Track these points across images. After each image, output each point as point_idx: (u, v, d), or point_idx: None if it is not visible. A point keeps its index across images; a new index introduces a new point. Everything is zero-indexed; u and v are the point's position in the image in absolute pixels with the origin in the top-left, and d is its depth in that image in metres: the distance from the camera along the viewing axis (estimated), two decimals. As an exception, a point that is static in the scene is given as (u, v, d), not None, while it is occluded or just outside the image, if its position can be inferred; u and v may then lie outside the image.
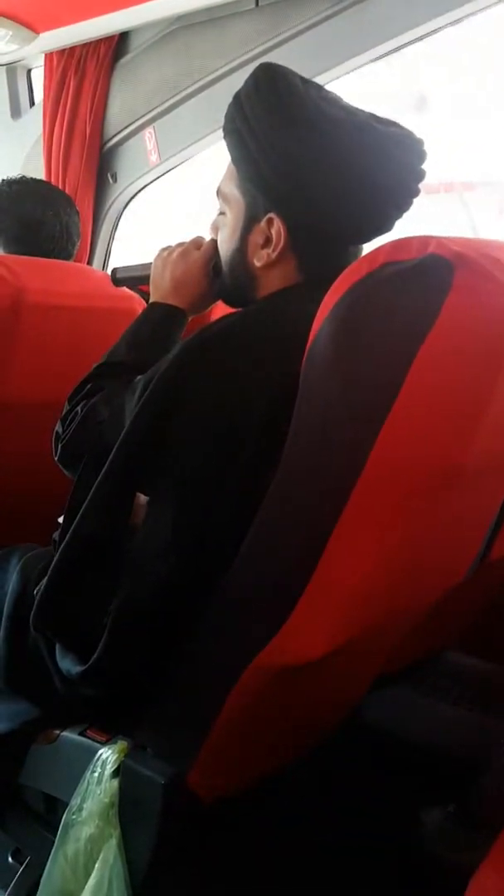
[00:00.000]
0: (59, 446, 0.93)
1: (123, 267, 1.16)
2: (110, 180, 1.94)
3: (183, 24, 1.72)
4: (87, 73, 1.90)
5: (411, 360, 0.68)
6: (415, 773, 1.10)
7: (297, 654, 0.76)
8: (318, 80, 1.49)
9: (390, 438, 0.69)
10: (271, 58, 1.56)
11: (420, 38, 1.49)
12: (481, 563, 0.92)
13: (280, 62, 0.89)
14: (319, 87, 0.87)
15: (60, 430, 0.93)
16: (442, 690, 1.18)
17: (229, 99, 0.89)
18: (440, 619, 1.01)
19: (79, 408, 0.92)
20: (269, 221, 0.87)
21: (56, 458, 0.94)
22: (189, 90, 1.75)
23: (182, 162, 1.85)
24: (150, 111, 1.83)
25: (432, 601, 0.91)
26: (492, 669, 1.20)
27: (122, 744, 0.86)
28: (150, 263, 1.04)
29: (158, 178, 1.90)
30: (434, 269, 0.67)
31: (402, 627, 0.93)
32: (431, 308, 0.67)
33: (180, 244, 1.01)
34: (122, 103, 1.90)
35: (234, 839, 0.94)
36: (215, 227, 0.96)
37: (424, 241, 0.69)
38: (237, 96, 0.87)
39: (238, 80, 0.89)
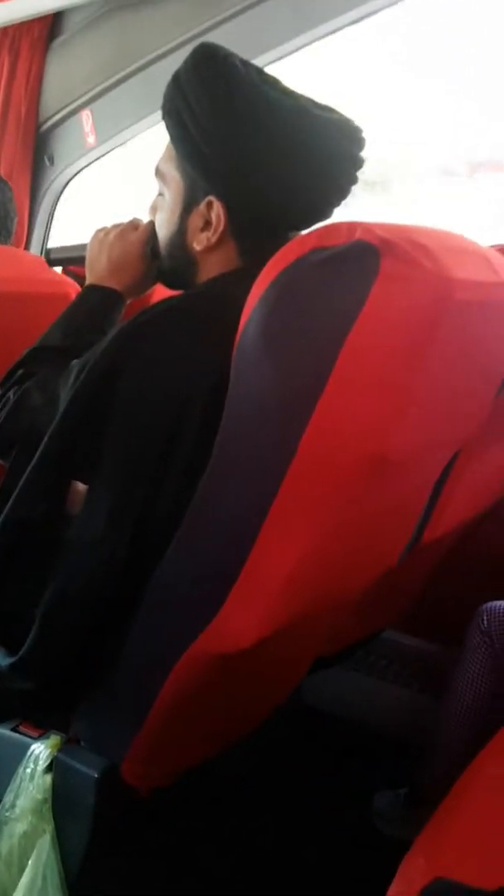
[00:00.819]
0: None
1: (58, 248, 1.13)
2: (47, 162, 1.90)
3: (118, 5, 1.69)
4: (21, 53, 1.84)
5: (339, 346, 0.68)
6: (355, 753, 1.12)
7: (230, 642, 0.76)
8: (257, 62, 1.50)
9: (320, 426, 0.69)
10: (209, 39, 1.54)
11: (360, 19, 1.49)
12: (414, 545, 0.93)
13: (220, 42, 0.87)
14: (259, 70, 0.86)
15: None
16: (381, 670, 1.20)
17: (166, 80, 0.87)
18: (376, 602, 1.02)
19: (10, 393, 0.90)
20: (209, 204, 0.86)
21: None
22: (126, 71, 1.72)
23: (120, 144, 1.82)
24: (86, 93, 1.79)
25: (366, 586, 0.92)
26: (428, 648, 1.23)
27: (54, 738, 0.84)
28: (86, 245, 1.02)
29: (97, 160, 1.87)
30: (361, 255, 0.67)
31: (337, 612, 0.94)
32: (358, 295, 0.67)
33: (116, 225, 0.99)
34: (58, 84, 1.85)
35: (171, 829, 0.94)
36: (154, 209, 0.94)
37: (352, 226, 0.69)
38: (176, 76, 0.85)
39: (175, 62, 0.87)
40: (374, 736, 1.07)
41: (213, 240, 0.87)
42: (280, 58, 1.54)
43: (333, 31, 1.50)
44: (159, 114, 0.86)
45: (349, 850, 1.00)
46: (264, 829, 1.00)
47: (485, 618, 1.10)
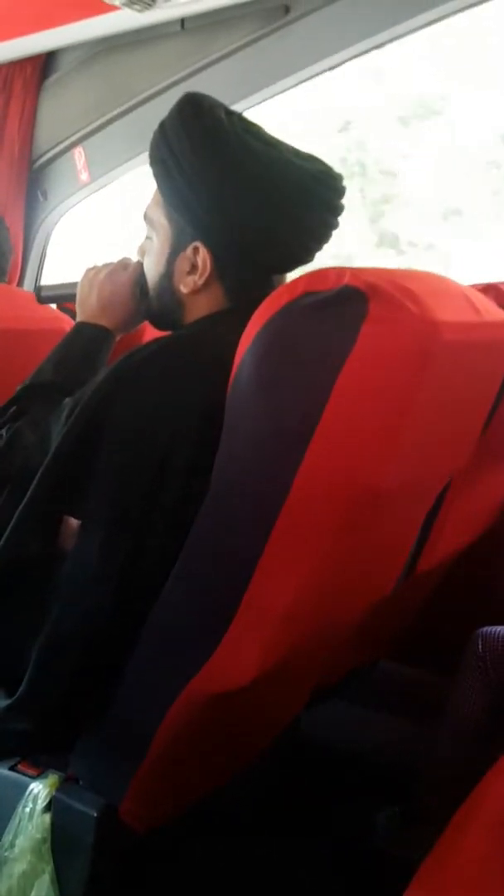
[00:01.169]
0: None
1: (49, 286, 1.15)
2: (40, 198, 1.93)
3: (110, 45, 1.73)
4: (14, 91, 1.88)
5: (331, 388, 0.70)
6: (354, 784, 1.12)
7: (228, 680, 0.77)
8: (246, 102, 1.54)
9: (313, 464, 0.71)
10: (198, 80, 1.58)
11: (347, 60, 1.53)
12: (408, 575, 0.94)
13: (207, 85, 0.91)
14: (243, 119, 0.89)
15: None
16: (377, 700, 1.20)
17: (157, 120, 0.89)
18: (371, 632, 1.03)
19: (3, 431, 0.91)
20: (195, 250, 0.88)
21: None
22: (117, 111, 1.75)
23: (112, 181, 1.85)
24: (78, 130, 1.83)
25: (363, 615, 0.92)
26: (424, 677, 1.23)
27: (52, 777, 0.85)
28: (76, 283, 1.04)
29: (88, 196, 1.89)
30: (349, 299, 0.69)
31: (334, 643, 0.94)
32: (348, 338, 0.69)
33: (107, 264, 1.01)
34: (51, 122, 1.89)
35: (170, 869, 0.93)
36: (142, 251, 0.97)
37: (340, 272, 0.71)
38: (162, 125, 0.88)
39: (165, 102, 0.90)
40: (372, 767, 1.07)
41: (200, 283, 0.89)
42: (272, 97, 1.57)
43: (324, 71, 1.53)
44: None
45: (349, 881, 1.00)
46: (264, 862, 0.99)
47: (479, 643, 1.11)
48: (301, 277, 0.73)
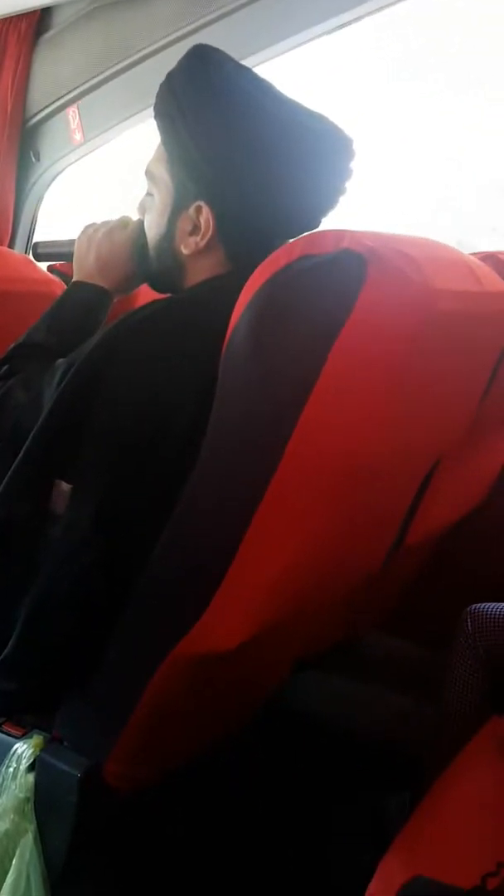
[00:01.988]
0: None
1: (45, 242, 1.13)
2: (33, 159, 1.89)
3: (107, 2, 1.68)
4: (8, 48, 1.83)
5: (326, 354, 0.68)
6: (337, 756, 1.13)
7: (214, 644, 0.77)
8: (249, 61, 1.50)
9: (306, 432, 0.70)
10: (200, 38, 1.54)
11: (358, 19, 1.49)
12: (397, 549, 0.94)
13: (209, 42, 0.87)
14: (253, 75, 0.86)
15: None
16: (366, 673, 1.21)
17: (156, 78, 0.87)
18: (360, 604, 1.03)
19: None
20: (198, 209, 0.86)
21: None
22: (114, 69, 1.70)
23: (107, 142, 1.81)
24: (73, 89, 1.78)
25: (351, 588, 0.93)
26: (413, 650, 1.24)
27: (37, 738, 0.85)
28: (74, 240, 1.01)
29: (83, 157, 1.86)
30: (347, 263, 0.68)
31: (321, 615, 0.94)
32: (345, 303, 0.68)
33: (106, 222, 0.98)
34: (45, 80, 1.84)
35: (153, 830, 0.94)
36: (142, 208, 0.94)
37: (339, 235, 0.70)
38: (169, 78, 0.85)
39: (165, 60, 0.87)
40: (361, 739, 1.08)
41: (202, 244, 0.87)
42: (272, 58, 1.54)
43: (329, 32, 1.50)
44: (147, 112, 0.86)
45: (335, 852, 1.01)
46: (249, 831, 1.01)
47: (469, 621, 1.11)
48: (299, 240, 0.72)
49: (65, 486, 0.87)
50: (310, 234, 0.72)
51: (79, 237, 1.00)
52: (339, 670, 1.14)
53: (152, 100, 0.88)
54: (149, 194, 0.92)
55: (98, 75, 1.73)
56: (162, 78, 0.87)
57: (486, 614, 1.10)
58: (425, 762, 1.04)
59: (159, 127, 0.88)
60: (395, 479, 0.83)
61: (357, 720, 1.11)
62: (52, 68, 1.82)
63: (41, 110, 1.84)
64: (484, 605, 1.12)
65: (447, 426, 0.86)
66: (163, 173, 0.88)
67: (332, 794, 1.07)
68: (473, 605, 1.12)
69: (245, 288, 0.72)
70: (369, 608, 1.14)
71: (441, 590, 1.18)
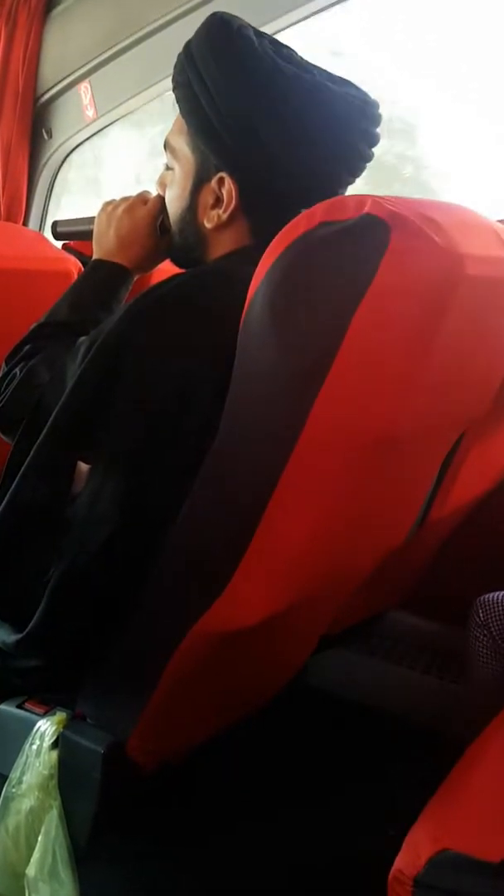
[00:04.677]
0: None
1: (65, 220, 1.11)
2: (45, 136, 1.87)
3: (118, -27, 1.65)
4: (19, 24, 1.81)
5: (348, 322, 0.67)
6: (359, 734, 1.13)
7: (237, 619, 0.76)
8: (268, 28, 1.46)
9: (328, 401, 0.69)
10: (213, 7, 1.49)
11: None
12: (421, 525, 0.93)
13: (223, 11, 0.85)
14: (275, 41, 0.84)
15: None
16: (385, 650, 1.21)
17: (169, 51, 0.85)
18: (382, 581, 1.02)
19: (17, 369, 0.88)
20: (220, 180, 0.84)
21: None
22: (126, 42, 1.67)
23: (120, 117, 1.78)
24: (85, 64, 1.75)
25: (373, 563, 0.91)
26: (433, 628, 1.23)
27: (60, 715, 0.85)
28: (93, 218, 0.99)
29: (96, 133, 1.84)
30: (370, 229, 0.66)
31: (344, 591, 0.93)
32: (367, 269, 0.66)
33: (125, 199, 0.97)
34: (56, 56, 1.82)
35: (177, 805, 0.94)
36: (162, 183, 0.92)
37: (361, 200, 0.67)
38: (188, 47, 0.83)
39: (177, 32, 0.85)
40: (379, 716, 1.08)
41: (225, 217, 0.85)
42: (288, 26, 1.50)
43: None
44: (160, 86, 0.84)
45: (353, 828, 1.01)
46: (272, 806, 1.01)
47: (480, 611, 1.10)
48: (319, 206, 0.70)
49: (83, 466, 0.87)
50: (331, 200, 0.70)
51: (98, 214, 0.99)
52: (361, 647, 1.13)
53: (165, 73, 0.86)
54: (169, 168, 0.90)
55: (110, 49, 1.70)
56: (175, 50, 0.85)
57: (496, 603, 1.10)
58: (448, 738, 1.03)
59: (178, 98, 0.85)
60: (418, 451, 0.81)
61: (380, 697, 1.11)
62: (63, 43, 1.79)
63: (53, 86, 1.82)
64: (492, 594, 1.11)
65: (472, 398, 0.84)
66: (183, 146, 0.86)
67: (355, 770, 1.07)
68: (482, 596, 1.11)
69: (264, 256, 0.70)
70: (392, 585, 1.13)
71: (462, 568, 1.17)
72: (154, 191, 0.96)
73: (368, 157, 0.87)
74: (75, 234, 1.10)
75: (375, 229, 0.65)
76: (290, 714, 1.02)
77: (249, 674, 0.92)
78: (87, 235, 1.02)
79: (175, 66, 0.85)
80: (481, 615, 1.08)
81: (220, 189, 0.84)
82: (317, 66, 0.85)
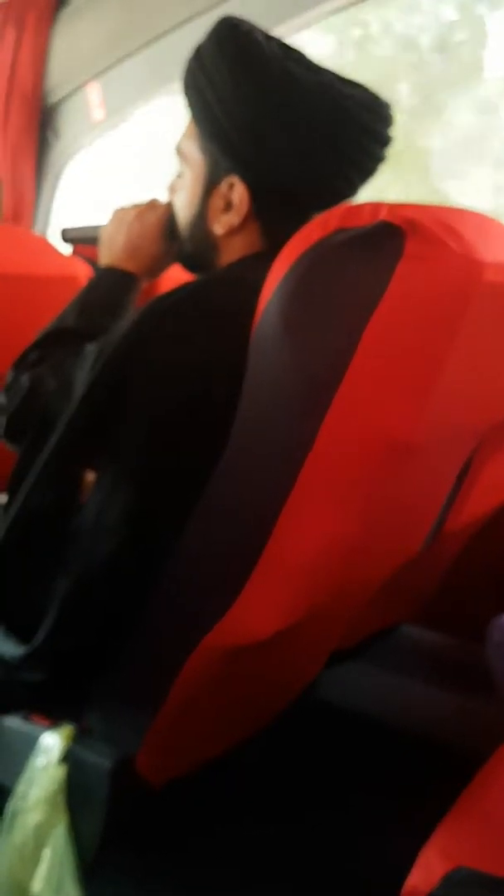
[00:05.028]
0: (4, 419, 0.88)
1: (74, 228, 1.11)
2: (52, 137, 1.86)
3: (127, -26, 1.64)
4: (27, 25, 1.80)
5: (362, 330, 0.65)
6: (372, 749, 1.12)
7: (247, 633, 0.75)
8: (277, 32, 1.45)
9: (341, 411, 0.67)
10: (224, 10, 1.48)
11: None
12: (436, 536, 0.91)
13: (234, 14, 0.84)
14: (284, 45, 0.84)
15: (4, 401, 0.88)
16: (399, 664, 1.19)
17: (179, 53, 0.84)
18: (395, 593, 1.00)
19: (24, 377, 0.87)
20: (231, 185, 0.83)
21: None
22: (135, 44, 1.67)
23: (127, 119, 1.77)
24: (93, 66, 1.75)
25: (387, 575, 0.90)
26: (447, 642, 1.22)
27: (67, 728, 0.83)
28: (102, 225, 0.99)
29: (103, 135, 1.83)
30: (385, 236, 0.65)
31: (356, 603, 0.92)
32: (382, 277, 0.65)
33: (135, 205, 0.96)
34: (65, 57, 1.81)
35: (185, 821, 0.93)
36: (173, 189, 0.92)
37: (376, 207, 0.66)
38: (197, 51, 0.83)
39: (186, 34, 0.85)
40: (391, 731, 1.07)
41: (236, 222, 0.84)
42: (300, 30, 1.48)
43: (359, 1, 1.44)
44: (168, 89, 0.84)
45: (365, 846, 1.00)
46: (282, 823, 0.99)
47: (496, 633, 1.08)
48: (333, 212, 0.69)
49: (91, 476, 0.86)
50: (345, 207, 0.69)
51: (108, 221, 0.98)
52: (374, 661, 1.12)
53: (175, 75, 0.86)
54: (179, 174, 0.90)
55: (119, 51, 1.70)
56: (184, 52, 0.85)
57: None
58: (463, 753, 1.02)
59: (189, 102, 0.85)
60: (434, 461, 0.80)
61: (393, 711, 1.09)
62: (71, 45, 1.79)
63: (61, 87, 1.82)
64: None
65: (489, 406, 0.83)
66: (193, 150, 0.86)
67: (367, 785, 1.05)
68: (499, 618, 1.09)
69: (276, 263, 0.69)
70: (405, 598, 1.11)
71: (478, 581, 1.15)
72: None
73: (381, 158, 0.86)
74: (84, 240, 1.10)
75: (391, 236, 0.64)
76: (302, 729, 1.01)
77: (260, 688, 0.90)
78: (95, 241, 1.02)
79: (185, 71, 0.84)
80: (499, 638, 1.06)
81: (230, 193, 0.84)
82: (327, 68, 0.84)
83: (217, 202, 0.85)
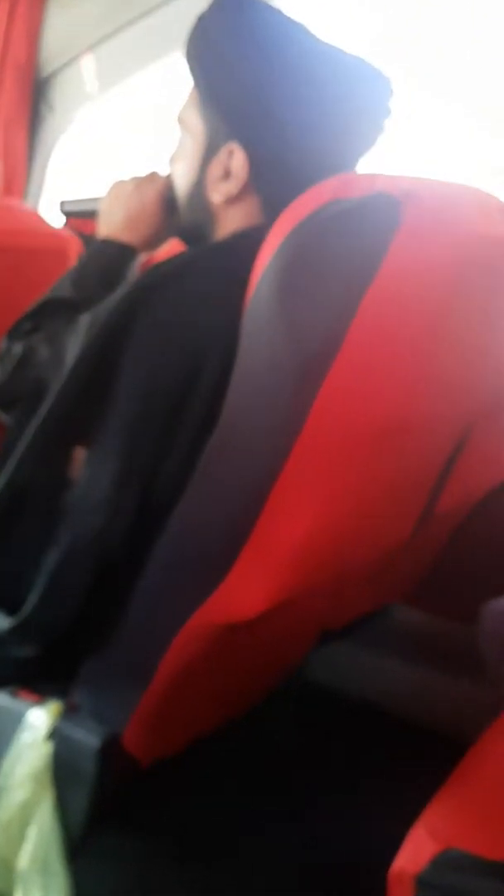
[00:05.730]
0: None
1: (72, 201, 1.10)
2: (46, 109, 1.83)
3: None
4: (21, -5, 1.77)
5: (357, 304, 0.64)
6: (361, 729, 1.12)
7: (234, 612, 0.74)
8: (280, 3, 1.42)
9: (335, 388, 0.66)
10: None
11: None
12: (427, 518, 0.91)
13: None
14: (286, 16, 0.82)
15: None
16: (386, 645, 1.19)
17: (173, 25, 0.83)
18: (386, 575, 1.00)
19: (17, 346, 0.87)
20: (230, 153, 0.82)
21: None
22: (130, 15, 1.63)
23: (122, 91, 1.75)
24: (88, 38, 1.71)
25: (377, 556, 0.89)
26: (436, 624, 1.22)
27: (54, 705, 0.83)
28: (100, 198, 0.98)
29: (97, 108, 1.80)
30: (381, 207, 0.63)
31: (346, 584, 0.91)
32: (378, 249, 0.63)
33: (134, 178, 0.95)
34: (59, 29, 1.77)
35: (174, 800, 0.93)
36: (174, 160, 0.91)
37: (372, 178, 0.65)
38: (201, 18, 0.82)
39: (183, 6, 0.83)
40: (381, 712, 1.07)
41: (234, 191, 0.83)
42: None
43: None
44: (164, 60, 0.82)
45: (354, 826, 1.00)
46: (270, 802, 1.00)
47: (489, 620, 1.08)
48: (329, 182, 0.67)
49: (81, 453, 0.85)
50: (342, 177, 0.67)
51: (106, 193, 0.97)
52: (364, 642, 1.11)
53: (170, 47, 0.84)
54: (180, 144, 0.88)
55: (114, 22, 1.66)
56: (183, 24, 0.83)
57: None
58: (452, 734, 1.02)
59: (190, 68, 0.84)
60: (426, 440, 0.79)
61: (382, 692, 1.09)
62: (66, 16, 1.75)
63: (55, 59, 1.78)
64: (498, 602, 1.09)
65: (483, 384, 0.82)
66: (194, 118, 0.85)
67: (356, 766, 1.06)
68: (488, 606, 1.09)
69: (270, 234, 0.68)
70: (396, 579, 1.11)
71: (468, 563, 1.15)
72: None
73: (382, 130, 0.85)
74: (82, 213, 1.08)
75: (387, 207, 0.63)
76: (291, 709, 1.01)
77: (249, 666, 0.90)
78: (94, 214, 1.01)
79: (188, 37, 0.83)
80: (490, 625, 1.06)
81: (229, 161, 0.82)
82: (329, 42, 0.82)
83: (216, 170, 0.83)
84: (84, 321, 0.79)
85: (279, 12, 0.82)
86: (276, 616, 0.75)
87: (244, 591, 0.73)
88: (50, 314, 0.90)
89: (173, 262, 0.76)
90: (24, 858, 0.82)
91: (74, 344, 0.79)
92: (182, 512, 0.75)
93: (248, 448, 0.71)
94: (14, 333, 0.89)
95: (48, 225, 1.31)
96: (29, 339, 0.86)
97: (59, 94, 1.81)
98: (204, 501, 0.74)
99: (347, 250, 0.64)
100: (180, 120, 0.87)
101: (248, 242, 0.77)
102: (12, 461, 0.81)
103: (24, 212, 1.45)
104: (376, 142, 0.85)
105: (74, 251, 1.29)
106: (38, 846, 0.82)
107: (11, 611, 0.83)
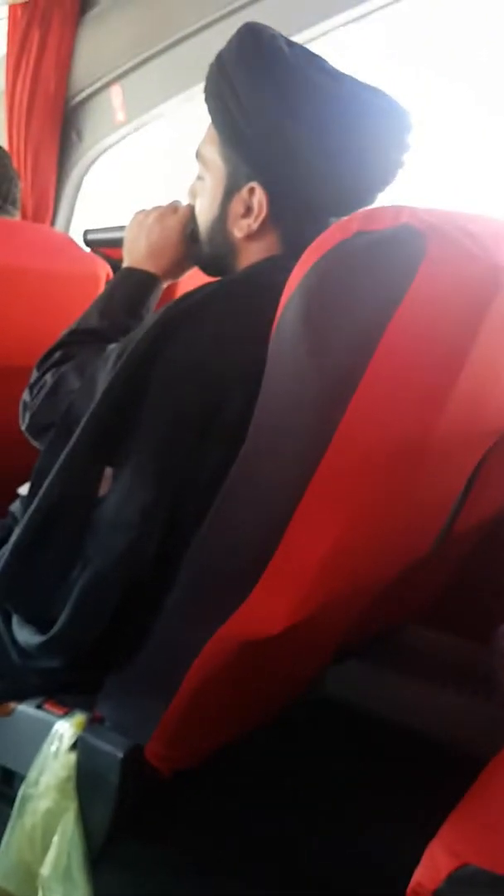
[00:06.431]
0: (28, 415, 0.90)
1: (96, 229, 1.13)
2: (75, 138, 1.88)
3: (153, -22, 1.66)
4: (52, 26, 1.82)
5: (381, 333, 0.66)
6: (376, 745, 1.12)
7: (258, 629, 0.76)
8: (299, 38, 1.46)
9: (358, 412, 0.68)
10: (247, 15, 1.50)
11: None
12: (445, 537, 0.92)
13: (257, 19, 0.86)
14: (306, 51, 0.85)
15: (28, 399, 0.90)
16: (404, 663, 1.20)
17: (201, 57, 0.85)
18: (403, 593, 1.01)
19: (48, 376, 0.89)
20: (251, 190, 0.84)
21: (24, 428, 0.91)
22: (159, 47, 1.68)
23: (150, 121, 1.79)
24: (117, 68, 1.76)
25: (396, 575, 0.91)
26: (453, 643, 1.22)
27: (79, 717, 0.85)
28: (124, 227, 1.01)
29: (125, 137, 1.84)
30: (407, 240, 0.65)
31: (365, 601, 0.93)
32: (402, 281, 0.65)
33: (156, 208, 0.98)
34: (89, 59, 1.83)
35: (193, 812, 0.94)
36: (193, 193, 0.93)
37: (398, 210, 0.67)
38: (219, 57, 0.84)
39: (211, 37, 0.85)
40: (396, 729, 1.07)
41: (255, 226, 0.85)
42: (323, 35, 1.49)
43: (386, 5, 1.45)
44: (190, 91, 0.85)
45: (368, 841, 1.00)
46: (287, 815, 1.00)
47: (501, 641, 1.09)
48: (355, 216, 0.70)
49: (108, 471, 0.87)
50: (367, 210, 0.70)
51: (129, 223, 1.00)
52: (381, 659, 1.12)
53: (197, 79, 0.87)
54: (199, 178, 0.91)
55: (142, 53, 1.71)
56: (207, 56, 0.86)
57: None
58: (467, 752, 1.02)
59: (210, 108, 0.86)
60: (447, 462, 0.81)
61: (398, 709, 1.10)
62: (96, 46, 1.80)
63: (84, 88, 1.83)
64: None
65: (502, 409, 0.83)
66: (214, 155, 0.87)
67: (371, 782, 1.06)
68: (503, 625, 1.09)
69: (299, 263, 0.70)
70: (414, 597, 1.12)
71: (485, 583, 1.16)
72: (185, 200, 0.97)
73: (400, 165, 0.87)
74: (106, 242, 1.11)
75: (412, 240, 0.65)
76: (308, 724, 1.02)
77: (268, 684, 0.91)
78: (117, 243, 1.03)
79: (207, 77, 0.86)
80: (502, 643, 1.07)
81: (250, 198, 0.85)
82: (349, 75, 0.85)
83: (237, 207, 0.86)
84: (112, 351, 0.82)
85: (297, 49, 0.84)
86: (299, 631, 0.77)
87: (268, 608, 0.75)
88: (78, 344, 0.92)
89: (197, 296, 0.78)
90: (47, 866, 0.84)
91: (104, 374, 0.81)
92: (208, 531, 0.77)
93: (272, 469, 0.73)
94: (44, 362, 0.92)
95: (80, 249, 1.34)
96: (59, 369, 0.89)
97: (89, 122, 1.86)
98: (230, 520, 0.76)
99: (373, 280, 0.67)
100: (199, 155, 0.90)
101: (268, 274, 0.80)
102: (46, 482, 0.83)
103: (56, 236, 1.48)
104: (395, 176, 0.86)
105: (103, 275, 1.32)
106: (60, 854, 0.83)
107: (42, 625, 0.85)
